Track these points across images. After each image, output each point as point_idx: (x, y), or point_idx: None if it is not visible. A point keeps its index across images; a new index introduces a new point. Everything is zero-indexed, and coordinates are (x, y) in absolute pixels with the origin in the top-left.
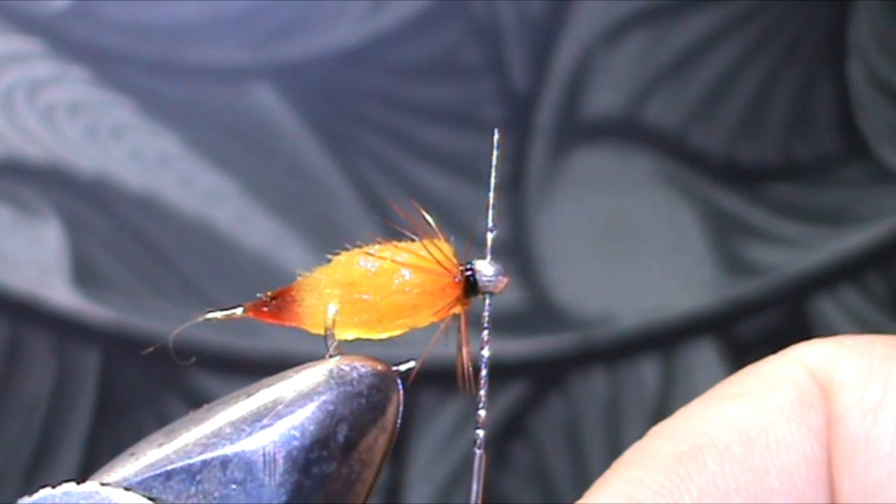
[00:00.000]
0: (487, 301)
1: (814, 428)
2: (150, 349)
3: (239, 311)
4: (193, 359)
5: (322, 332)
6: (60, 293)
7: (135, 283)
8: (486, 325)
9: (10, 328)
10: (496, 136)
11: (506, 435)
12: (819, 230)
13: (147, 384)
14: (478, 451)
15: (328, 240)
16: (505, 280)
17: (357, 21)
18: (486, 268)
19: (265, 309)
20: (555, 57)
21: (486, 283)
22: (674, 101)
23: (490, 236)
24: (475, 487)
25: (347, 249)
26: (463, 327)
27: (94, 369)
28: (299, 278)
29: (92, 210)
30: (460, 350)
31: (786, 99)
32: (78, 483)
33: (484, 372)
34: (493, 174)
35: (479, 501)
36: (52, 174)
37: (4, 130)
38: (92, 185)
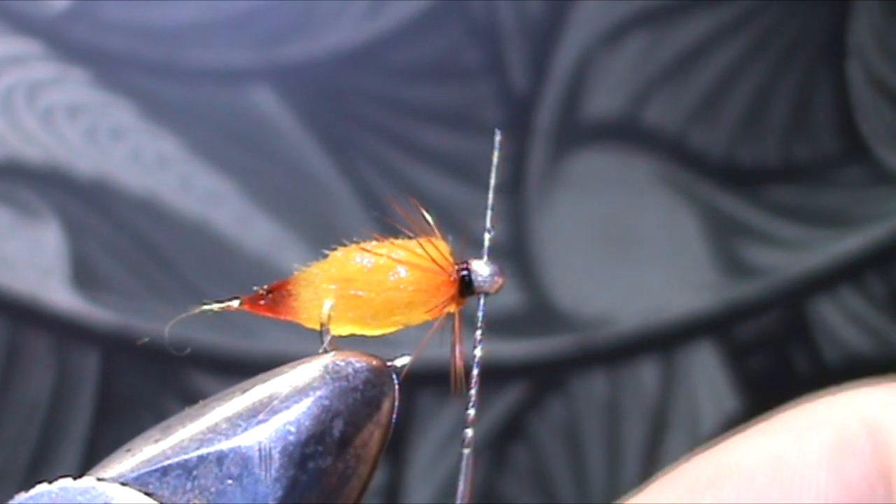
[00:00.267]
0: (482, 301)
1: (848, 475)
2: (146, 339)
3: (235, 303)
4: (188, 349)
5: (317, 326)
6: (60, 295)
7: (134, 285)
8: (479, 324)
9: (10, 330)
10: (497, 137)
11: (505, 436)
12: (818, 232)
13: (147, 386)
14: (465, 451)
15: (328, 241)
16: (500, 280)
17: (356, 23)
18: (481, 267)
19: (261, 302)
20: (554, 58)
21: (481, 283)
22: (673, 103)
23: (487, 237)
24: (462, 487)
25: (345, 245)
26: (456, 326)
27: (94, 371)
28: (296, 273)
29: (91, 212)
30: (453, 349)
31: (785, 100)
32: (74, 479)
33: (475, 371)
34: (493, 175)
35: (467, 501)
36: (51, 176)
37: (4, 132)
38: (91, 187)
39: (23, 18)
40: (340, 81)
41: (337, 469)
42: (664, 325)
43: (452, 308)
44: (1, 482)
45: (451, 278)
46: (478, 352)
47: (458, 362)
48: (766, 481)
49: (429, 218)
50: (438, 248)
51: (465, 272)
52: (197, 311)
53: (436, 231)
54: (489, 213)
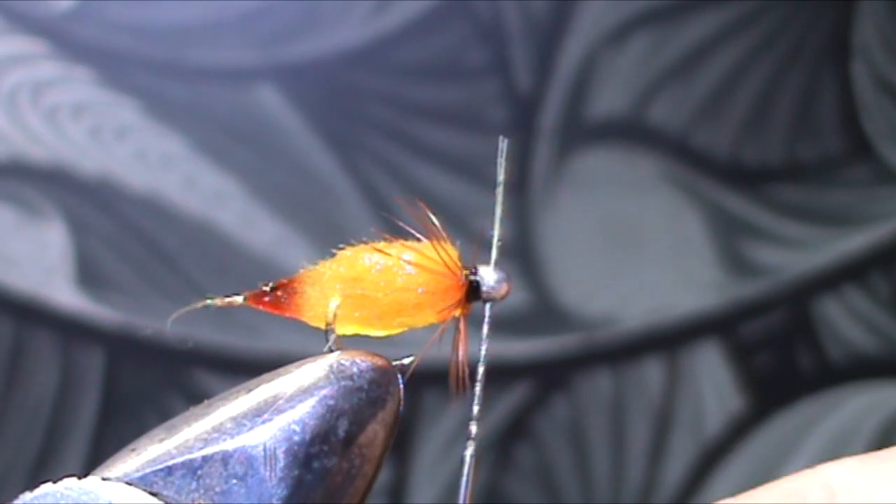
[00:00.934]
0: (488, 307)
1: None
2: (148, 329)
3: (239, 298)
4: (191, 342)
5: (321, 325)
6: (64, 294)
7: (139, 284)
8: (485, 331)
9: (14, 329)
10: (503, 144)
11: (510, 436)
12: (823, 231)
13: (151, 385)
14: (468, 453)
15: (332, 241)
16: (507, 288)
17: (361, 22)
18: (489, 274)
19: (265, 298)
20: (559, 58)
21: (488, 290)
22: (678, 102)
23: (496, 245)
24: (463, 486)
25: (351, 245)
26: (462, 331)
27: (99, 370)
28: (302, 270)
29: (96, 211)
30: (456, 353)
31: (790, 100)
32: (79, 478)
33: (481, 371)
34: (501, 182)
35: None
36: (56, 175)
37: (8, 131)
38: (96, 186)
39: (27, 17)
40: (345, 81)
41: (342, 469)
42: (669, 325)
43: (458, 312)
44: (5, 482)
45: (460, 282)
46: (482, 354)
47: (462, 367)
48: None
49: (437, 221)
50: (447, 252)
51: (473, 277)
52: (200, 304)
53: (444, 234)
54: (497, 221)
